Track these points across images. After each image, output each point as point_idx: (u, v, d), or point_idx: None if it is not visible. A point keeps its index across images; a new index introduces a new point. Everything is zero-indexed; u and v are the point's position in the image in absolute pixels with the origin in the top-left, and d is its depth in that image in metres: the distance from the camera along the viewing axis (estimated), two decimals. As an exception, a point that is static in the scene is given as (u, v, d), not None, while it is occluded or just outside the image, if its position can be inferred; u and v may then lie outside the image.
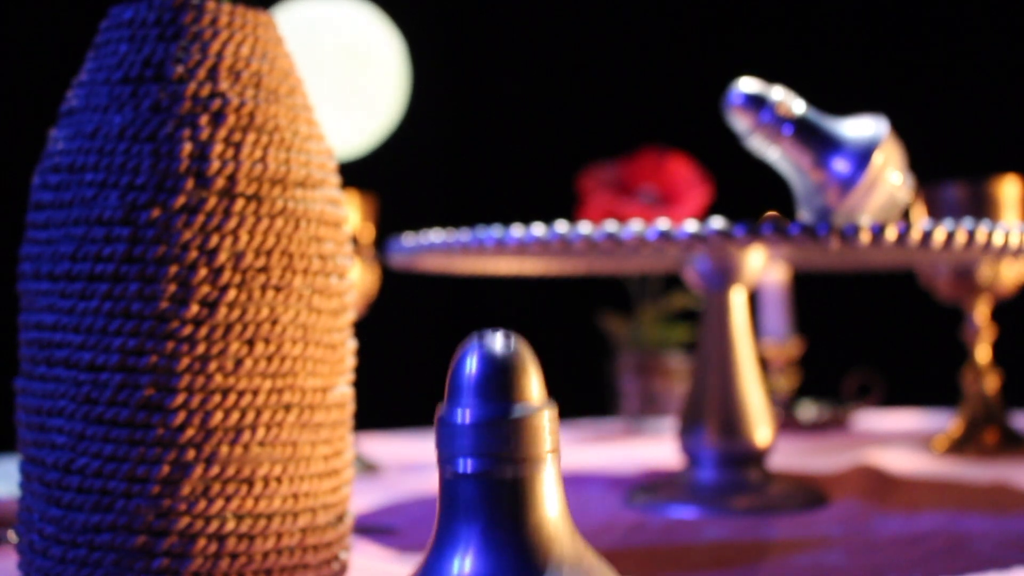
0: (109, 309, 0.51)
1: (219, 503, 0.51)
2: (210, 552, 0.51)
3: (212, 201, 0.51)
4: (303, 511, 0.54)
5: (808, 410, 1.32)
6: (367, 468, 1.01)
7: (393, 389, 1.88)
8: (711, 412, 0.83)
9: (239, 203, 0.52)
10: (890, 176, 0.78)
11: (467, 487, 0.43)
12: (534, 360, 0.44)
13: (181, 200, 0.51)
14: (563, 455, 1.13)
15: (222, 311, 0.51)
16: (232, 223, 0.52)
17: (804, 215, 0.82)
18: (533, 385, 0.43)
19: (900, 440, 1.17)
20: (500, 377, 0.43)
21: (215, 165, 0.52)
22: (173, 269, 0.51)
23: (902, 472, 0.95)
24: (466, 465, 0.43)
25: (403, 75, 2.31)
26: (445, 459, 0.43)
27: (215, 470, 0.51)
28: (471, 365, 0.43)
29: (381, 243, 0.99)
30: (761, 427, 0.83)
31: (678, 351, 1.39)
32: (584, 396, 1.66)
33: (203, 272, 0.51)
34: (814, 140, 0.79)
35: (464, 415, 0.43)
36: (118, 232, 0.51)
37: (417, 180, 2.34)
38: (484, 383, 0.43)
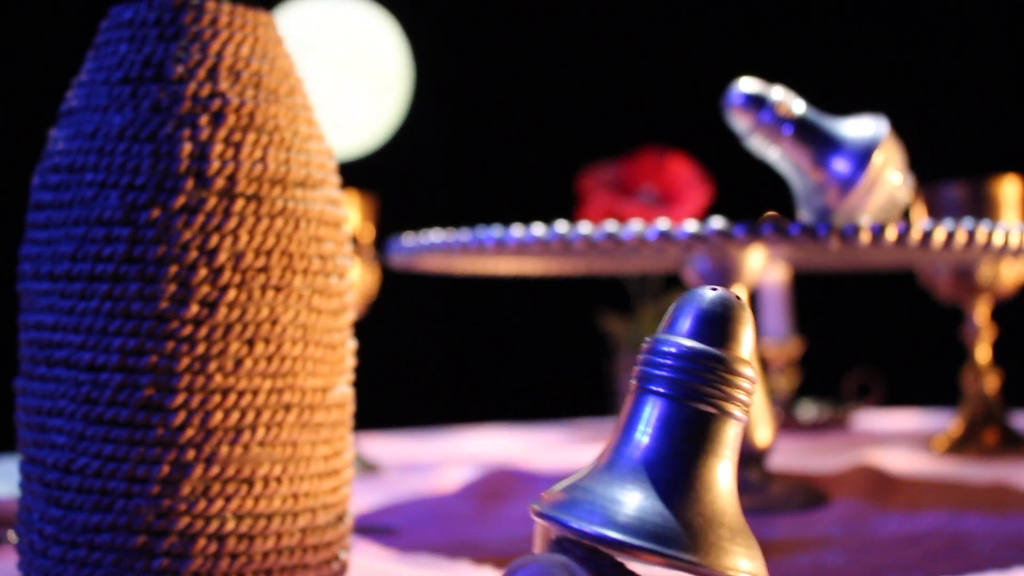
0: (109, 309, 0.51)
1: (219, 503, 0.51)
2: (210, 552, 0.51)
3: (212, 201, 0.51)
4: (303, 511, 0.54)
5: (808, 410, 1.32)
6: (367, 468, 1.01)
7: (393, 389, 1.88)
8: (711, 412, 0.82)
9: (239, 203, 0.52)
10: (890, 176, 0.78)
11: (660, 409, 0.44)
12: (752, 321, 0.46)
13: (181, 200, 0.51)
14: (563, 455, 1.13)
15: (222, 311, 0.51)
16: (232, 223, 0.52)
17: (804, 215, 0.82)
18: (745, 340, 0.46)
19: (900, 440, 1.17)
20: (717, 322, 0.45)
21: (215, 165, 0.52)
22: (173, 269, 0.51)
23: (902, 472, 0.95)
24: (662, 386, 0.45)
25: (403, 75, 2.31)
26: (645, 378, 0.45)
27: (215, 470, 0.51)
28: (692, 306, 0.45)
29: (381, 243, 0.99)
30: (761, 427, 0.83)
31: (678, 351, 1.38)
32: (584, 396, 1.66)
33: (203, 272, 0.51)
34: (814, 140, 0.79)
35: (674, 344, 0.45)
36: (118, 232, 0.51)
37: (417, 180, 2.34)
38: (701, 324, 0.45)
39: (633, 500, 0.43)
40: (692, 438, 0.44)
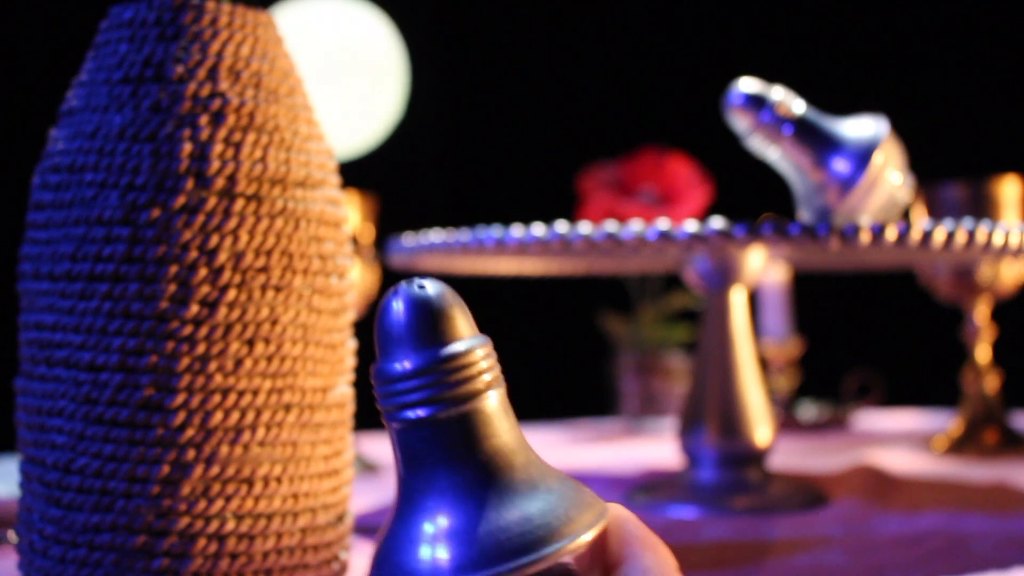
0: (109, 309, 0.51)
1: (219, 503, 0.51)
2: (210, 552, 0.51)
3: (212, 201, 0.51)
4: (303, 511, 0.54)
5: (808, 410, 1.32)
6: (367, 468, 1.01)
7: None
8: (711, 412, 0.83)
9: (239, 203, 0.52)
10: (890, 176, 0.78)
11: (418, 435, 0.42)
12: (458, 299, 0.43)
13: (181, 200, 0.51)
14: (563, 455, 1.13)
15: (222, 311, 0.51)
16: (232, 223, 0.52)
17: (804, 215, 0.82)
18: (460, 323, 0.43)
19: (900, 440, 1.17)
20: (424, 321, 0.42)
21: (215, 165, 0.52)
22: (173, 269, 0.51)
23: (902, 472, 0.95)
24: (416, 412, 0.42)
25: (403, 75, 2.31)
26: (392, 411, 0.43)
27: (215, 470, 0.51)
28: (397, 313, 0.42)
29: (381, 243, 0.99)
30: (761, 427, 0.83)
31: (678, 351, 1.39)
32: (584, 396, 1.66)
33: (203, 272, 0.51)
34: (814, 140, 0.79)
35: (402, 364, 0.42)
36: (118, 232, 0.51)
37: (417, 180, 2.34)
38: (412, 329, 0.42)
39: (455, 536, 0.41)
40: (466, 444, 0.42)
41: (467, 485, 0.42)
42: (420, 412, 0.42)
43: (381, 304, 0.43)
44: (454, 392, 0.42)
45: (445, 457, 0.42)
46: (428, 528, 0.41)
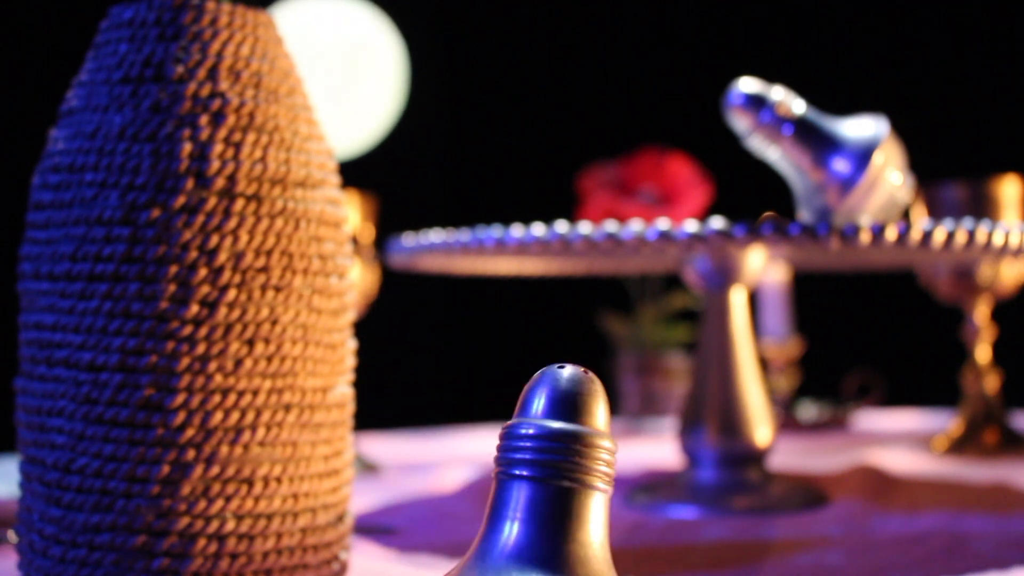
0: (109, 309, 0.51)
1: (219, 503, 0.51)
2: (210, 552, 0.51)
3: (212, 201, 0.51)
4: (303, 511, 0.54)
5: (808, 410, 1.32)
6: (367, 468, 1.01)
7: (393, 389, 1.88)
8: (711, 412, 0.83)
9: (239, 203, 0.52)
10: (890, 176, 0.78)
11: (521, 491, 0.45)
12: (603, 394, 0.47)
13: (181, 200, 0.51)
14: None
15: (222, 311, 0.51)
16: (232, 223, 0.52)
17: (804, 215, 0.82)
18: (599, 414, 0.46)
19: (900, 440, 1.17)
20: (570, 399, 0.46)
21: (215, 165, 0.52)
22: (173, 269, 0.51)
23: (902, 472, 0.95)
24: (522, 470, 0.45)
25: (402, 75, 2.31)
26: (503, 463, 0.45)
27: (215, 470, 0.51)
28: (545, 386, 0.46)
29: (381, 243, 0.99)
30: (761, 427, 0.83)
31: (678, 351, 1.39)
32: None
33: (203, 272, 0.51)
34: (814, 140, 0.79)
35: (530, 427, 0.45)
36: (118, 232, 0.51)
37: (417, 180, 2.34)
38: (555, 402, 0.46)
39: None
40: (558, 516, 0.44)
41: (551, 550, 0.44)
42: (527, 471, 0.45)
43: (540, 375, 0.47)
44: (568, 465, 0.45)
45: (548, 523, 0.44)
46: None
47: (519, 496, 0.45)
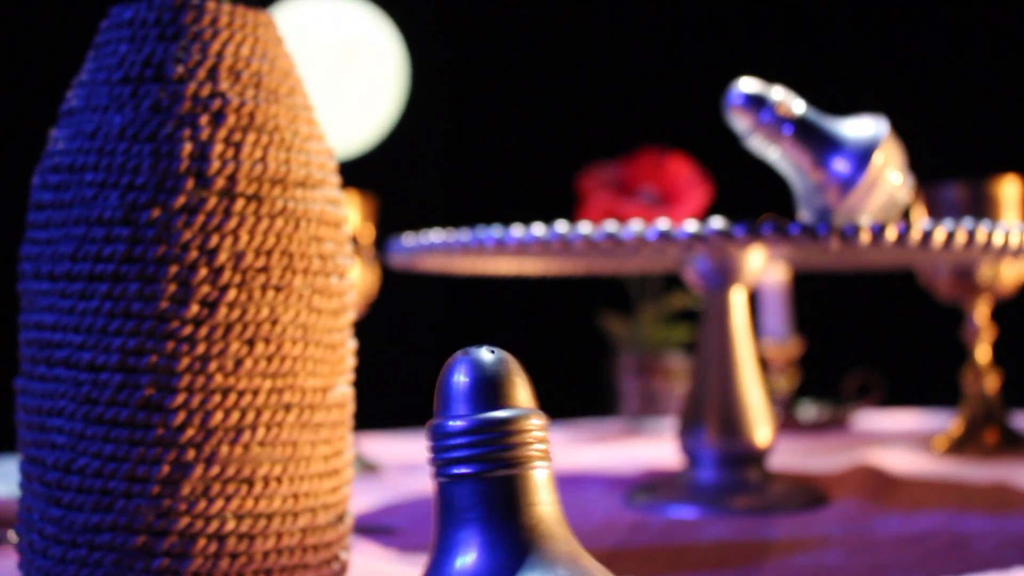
0: (109, 309, 0.51)
1: (219, 503, 0.51)
2: (210, 552, 0.51)
3: (212, 201, 0.51)
4: (303, 511, 0.54)
5: (808, 410, 1.32)
6: (367, 468, 1.01)
7: (393, 389, 1.88)
8: (711, 412, 0.83)
9: (239, 203, 0.52)
10: (890, 176, 0.78)
11: (462, 491, 0.44)
12: (520, 370, 0.46)
13: (181, 200, 0.51)
14: (563, 455, 1.13)
15: (222, 311, 0.51)
16: (232, 223, 0.52)
17: (804, 215, 0.82)
18: (520, 393, 0.45)
19: (900, 440, 1.17)
20: (489, 385, 0.45)
21: (215, 165, 0.52)
22: (173, 269, 0.51)
23: (902, 472, 0.95)
24: (460, 469, 0.44)
25: (403, 74, 2.31)
26: (440, 466, 0.45)
27: (215, 470, 0.51)
28: (460, 375, 0.45)
29: (381, 243, 0.99)
30: (761, 427, 0.83)
31: (678, 351, 1.39)
32: (584, 396, 1.66)
33: (203, 272, 0.51)
34: (814, 140, 0.79)
35: (456, 422, 0.44)
36: (118, 232, 0.51)
37: (417, 180, 2.34)
38: (472, 392, 0.45)
39: None
40: (503, 507, 0.44)
41: (510, 544, 0.43)
42: (467, 468, 0.44)
43: (447, 364, 0.45)
44: (506, 454, 0.44)
45: (489, 516, 0.44)
46: None
47: (464, 495, 0.44)
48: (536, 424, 0.45)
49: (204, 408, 0.51)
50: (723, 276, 0.84)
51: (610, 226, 0.75)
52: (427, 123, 2.36)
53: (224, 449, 0.51)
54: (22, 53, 1.89)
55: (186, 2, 0.54)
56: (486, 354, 0.45)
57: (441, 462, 0.45)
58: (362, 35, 2.26)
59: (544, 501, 0.44)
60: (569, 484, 0.92)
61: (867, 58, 2.10)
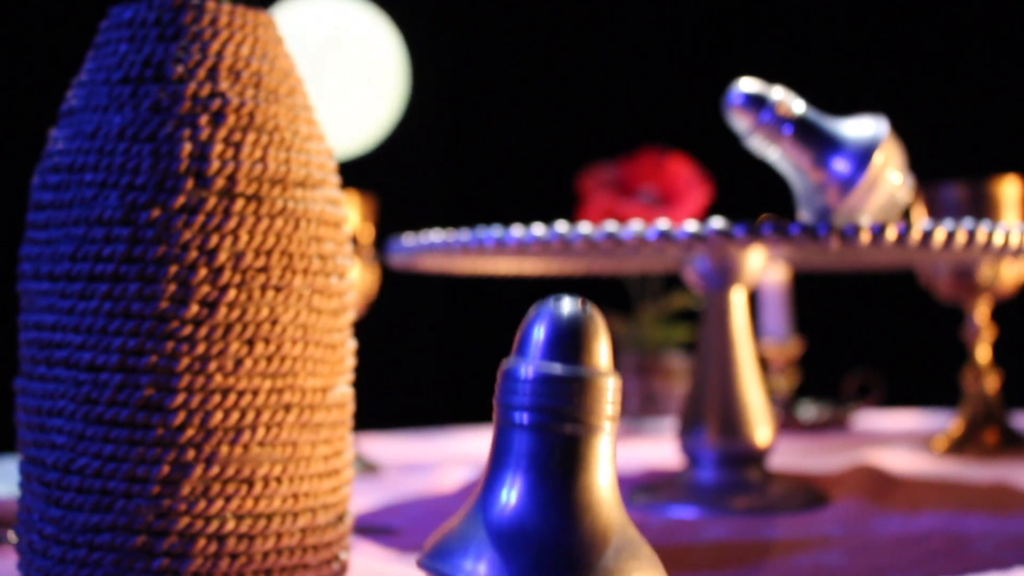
0: (109, 309, 0.51)
1: (219, 503, 0.51)
2: (210, 552, 0.51)
3: (212, 201, 0.51)
4: (303, 511, 0.54)
5: (808, 410, 1.32)
6: (367, 468, 1.01)
7: (393, 389, 1.88)
8: (711, 412, 0.83)
9: (239, 203, 0.52)
10: (890, 176, 0.78)
11: (522, 439, 0.43)
12: (605, 329, 0.45)
13: (181, 200, 0.51)
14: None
15: (222, 311, 0.51)
16: (232, 223, 0.52)
17: (804, 215, 0.82)
18: (600, 352, 0.44)
19: (900, 440, 1.17)
20: (569, 338, 0.43)
21: (215, 165, 0.52)
22: (173, 269, 0.51)
23: (902, 472, 0.95)
24: (522, 417, 0.43)
25: (403, 74, 2.31)
26: (503, 409, 0.44)
27: (215, 470, 0.51)
28: (542, 324, 0.44)
29: (381, 243, 0.99)
30: (761, 427, 0.83)
31: (678, 351, 1.39)
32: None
33: (203, 272, 0.51)
34: (814, 140, 0.79)
35: (528, 369, 0.43)
36: (118, 232, 0.51)
37: (417, 180, 2.34)
38: (551, 342, 0.43)
39: (513, 540, 0.42)
40: (563, 464, 0.43)
41: (562, 502, 0.43)
42: (528, 418, 0.43)
43: (537, 310, 0.44)
44: (571, 411, 0.43)
45: (545, 470, 0.43)
46: (502, 525, 0.42)
47: (521, 444, 0.43)
48: (610, 387, 0.44)
49: (204, 408, 0.51)
50: (723, 276, 0.84)
51: (610, 226, 0.75)
52: (427, 123, 2.36)
53: (224, 449, 0.51)
54: (22, 53, 1.89)
55: (186, 2, 0.54)
56: (572, 305, 0.44)
57: (506, 406, 0.44)
58: (362, 35, 2.27)
59: (602, 465, 0.44)
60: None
61: (867, 58, 2.10)
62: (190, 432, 0.51)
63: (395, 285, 1.38)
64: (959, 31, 2.06)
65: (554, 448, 0.43)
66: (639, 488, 0.86)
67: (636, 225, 0.74)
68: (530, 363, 0.43)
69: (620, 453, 1.13)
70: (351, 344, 0.58)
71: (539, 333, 0.44)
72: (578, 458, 0.43)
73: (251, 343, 0.52)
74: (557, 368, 0.43)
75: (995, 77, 2.01)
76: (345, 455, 0.57)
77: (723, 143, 1.08)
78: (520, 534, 0.42)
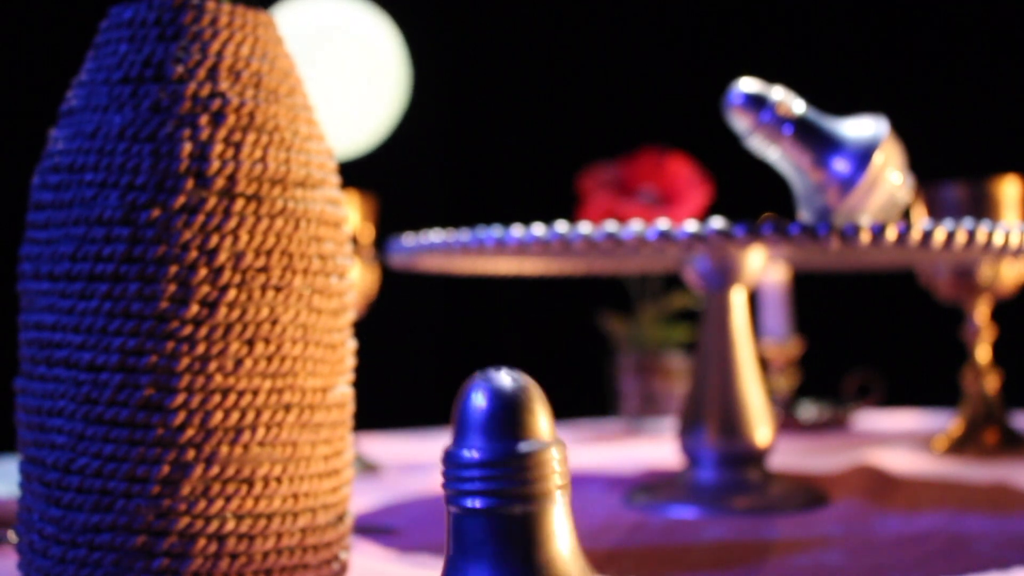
0: (109, 309, 0.51)
1: (219, 503, 0.51)
2: (210, 552, 0.51)
3: (212, 201, 0.51)
4: (303, 511, 0.54)
5: (808, 410, 1.32)
6: (367, 468, 1.01)
7: (393, 389, 1.88)
8: (711, 412, 0.83)
9: (239, 203, 0.52)
10: (890, 176, 0.78)
11: (476, 524, 0.42)
12: (541, 397, 0.43)
13: (181, 200, 0.51)
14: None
15: (222, 311, 0.51)
16: (232, 223, 0.52)
17: (804, 215, 0.82)
18: (541, 422, 0.43)
19: (900, 440, 1.17)
20: (507, 414, 0.42)
21: (215, 165, 0.52)
22: (173, 269, 0.51)
23: (902, 472, 0.95)
24: (474, 502, 0.42)
25: (403, 74, 2.31)
26: (452, 496, 0.43)
27: (215, 470, 0.51)
28: (478, 401, 0.43)
29: (381, 243, 0.99)
30: (761, 427, 0.83)
31: (678, 351, 1.39)
32: (584, 396, 1.66)
33: (203, 272, 0.51)
34: (814, 140, 0.79)
35: (471, 452, 0.42)
36: (118, 232, 0.51)
37: (417, 180, 2.34)
38: (491, 420, 0.42)
39: None
40: (519, 543, 0.42)
41: None
42: (480, 503, 0.42)
43: (463, 388, 0.43)
44: (523, 490, 0.42)
45: (503, 552, 0.42)
46: None
47: (475, 529, 0.42)
48: (555, 457, 0.42)
49: (204, 408, 0.51)
50: (723, 276, 0.84)
51: (610, 226, 0.75)
52: (427, 123, 2.36)
53: (224, 449, 0.51)
54: (22, 53, 1.89)
55: (186, 2, 0.54)
56: (505, 379, 0.43)
57: (454, 492, 0.43)
58: (362, 35, 2.27)
59: (560, 536, 0.42)
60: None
61: (867, 58, 2.10)
62: (190, 432, 0.51)
63: (395, 285, 1.38)
64: (959, 31, 2.06)
65: (510, 529, 0.42)
66: (639, 488, 0.86)
67: (636, 225, 0.74)
68: (471, 445, 0.42)
69: (620, 453, 1.13)
70: (351, 344, 0.58)
71: (476, 412, 0.42)
72: (535, 535, 0.42)
73: (251, 343, 0.52)
74: (500, 448, 0.42)
75: (995, 77, 2.01)
76: (345, 455, 0.57)
77: (723, 143, 1.08)
78: None
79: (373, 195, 1.07)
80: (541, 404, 0.43)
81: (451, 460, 0.43)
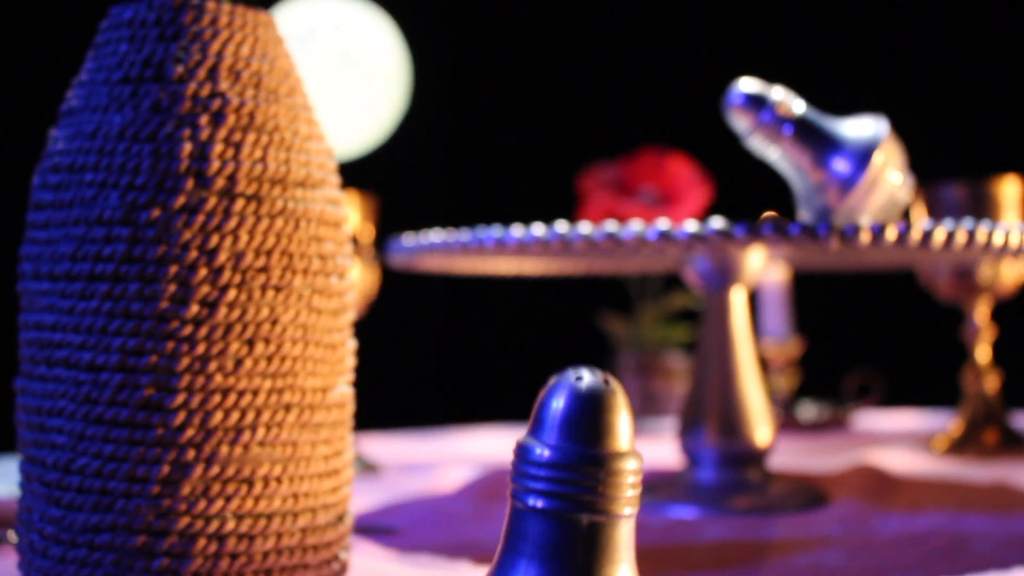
0: (109, 309, 0.51)
1: (219, 503, 0.51)
2: (210, 552, 0.51)
3: (212, 201, 0.51)
4: (303, 511, 0.54)
5: (808, 410, 1.32)
6: (367, 468, 1.01)
7: (393, 389, 1.88)
8: (711, 412, 0.83)
9: (239, 203, 0.52)
10: (890, 176, 0.78)
11: (535, 524, 0.40)
12: (626, 404, 0.41)
13: (181, 200, 0.51)
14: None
15: (222, 311, 0.51)
16: (232, 223, 0.52)
17: (804, 215, 0.82)
18: (620, 430, 0.41)
19: (900, 440, 1.17)
20: (585, 417, 0.40)
21: (215, 165, 0.52)
22: (173, 269, 0.51)
23: (902, 472, 0.95)
24: (536, 501, 0.40)
25: (403, 74, 2.31)
26: (516, 491, 0.41)
27: (215, 470, 0.51)
28: (558, 398, 0.41)
29: (381, 243, 0.99)
30: (761, 427, 0.83)
31: (678, 351, 1.39)
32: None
33: (203, 272, 0.51)
34: (814, 140, 0.79)
35: (542, 450, 0.40)
36: (118, 232, 0.51)
37: (417, 180, 2.34)
38: (567, 420, 0.40)
39: None
40: (579, 555, 0.40)
41: None
42: (541, 503, 0.40)
43: (555, 382, 0.41)
44: (588, 498, 0.40)
45: (559, 559, 0.40)
46: None
47: (535, 530, 0.40)
48: (630, 468, 0.40)
49: (204, 408, 0.51)
50: (723, 276, 0.84)
51: (610, 226, 0.75)
52: (428, 123, 2.36)
53: (224, 449, 0.51)
54: (22, 53, 1.89)
55: (186, 2, 0.54)
56: (591, 380, 0.41)
57: (518, 487, 0.41)
58: (363, 35, 2.27)
59: (624, 553, 0.40)
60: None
61: (867, 58, 2.10)
62: (190, 432, 0.51)
63: (395, 285, 1.38)
64: (959, 31, 2.06)
65: (571, 538, 0.40)
66: (639, 488, 0.86)
67: (636, 225, 0.74)
68: (546, 443, 0.40)
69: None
70: (351, 344, 0.58)
71: (556, 409, 0.40)
72: (597, 550, 0.40)
73: (251, 343, 0.52)
74: (575, 451, 0.40)
75: (995, 77, 2.01)
76: (345, 455, 0.57)
77: (723, 143, 1.08)
78: None
79: (373, 195, 1.07)
80: (624, 411, 0.41)
81: (521, 454, 0.41)
